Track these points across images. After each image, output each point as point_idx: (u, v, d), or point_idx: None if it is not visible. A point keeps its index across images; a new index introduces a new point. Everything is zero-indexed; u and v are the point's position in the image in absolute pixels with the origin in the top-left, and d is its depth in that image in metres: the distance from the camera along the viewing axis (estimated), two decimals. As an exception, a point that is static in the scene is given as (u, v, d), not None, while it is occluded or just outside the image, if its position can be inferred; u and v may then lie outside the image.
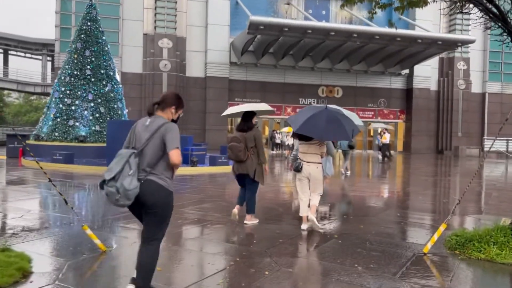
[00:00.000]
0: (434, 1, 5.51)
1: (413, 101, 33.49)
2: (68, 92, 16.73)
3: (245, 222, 5.98)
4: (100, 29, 17.74)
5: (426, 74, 33.61)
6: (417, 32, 28.43)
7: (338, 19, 32.95)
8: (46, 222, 5.79)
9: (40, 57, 45.11)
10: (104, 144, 15.62)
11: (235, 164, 6.03)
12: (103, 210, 7.13)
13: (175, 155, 2.96)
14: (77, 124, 16.44)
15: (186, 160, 13.81)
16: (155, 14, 28.84)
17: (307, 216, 5.70)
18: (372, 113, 33.73)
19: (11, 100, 69.19)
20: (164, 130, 3.01)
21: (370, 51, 29.24)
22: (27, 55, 46.15)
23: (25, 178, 10.93)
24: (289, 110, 31.71)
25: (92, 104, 16.80)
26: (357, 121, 7.43)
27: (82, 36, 17.22)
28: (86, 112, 16.69)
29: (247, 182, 6.00)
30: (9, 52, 45.27)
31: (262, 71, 31.18)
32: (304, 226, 5.72)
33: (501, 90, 35.44)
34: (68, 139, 16.14)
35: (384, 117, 33.99)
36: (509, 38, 5.07)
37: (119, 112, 17.53)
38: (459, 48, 30.60)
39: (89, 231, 4.40)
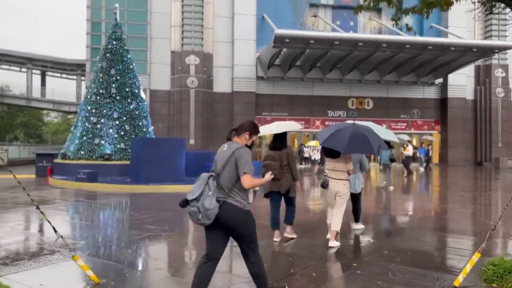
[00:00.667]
0: (457, 1, 4.95)
1: (449, 111, 32.09)
2: (94, 110, 16.90)
3: (285, 235, 6.07)
4: (125, 47, 17.93)
5: (461, 82, 32.21)
6: (449, 39, 27.30)
7: (367, 30, 32.24)
8: (48, 248, 5.55)
9: (74, 77, 46.72)
10: (129, 162, 15.60)
11: (267, 183, 5.85)
12: (111, 235, 6.87)
13: (244, 180, 3.25)
14: (102, 142, 16.53)
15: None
16: (182, 32, 29.12)
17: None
18: (405, 124, 32.58)
19: (50, 119, 72.01)
20: (238, 155, 3.29)
21: (401, 60, 28.33)
22: (63, 75, 47.93)
23: (48, 198, 10.90)
24: (317, 123, 31.08)
25: (117, 122, 16.87)
26: (391, 137, 7.41)
27: (108, 55, 17.45)
28: (111, 130, 16.77)
29: (285, 199, 6.02)
30: (46, 73, 47.18)
31: (289, 84, 30.78)
32: (329, 236, 5.75)
33: (544, 97, 33.53)
34: (94, 158, 16.21)
35: (417, 128, 32.76)
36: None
37: (144, 129, 17.53)
38: (496, 54, 29.18)
39: (80, 262, 4.09)
